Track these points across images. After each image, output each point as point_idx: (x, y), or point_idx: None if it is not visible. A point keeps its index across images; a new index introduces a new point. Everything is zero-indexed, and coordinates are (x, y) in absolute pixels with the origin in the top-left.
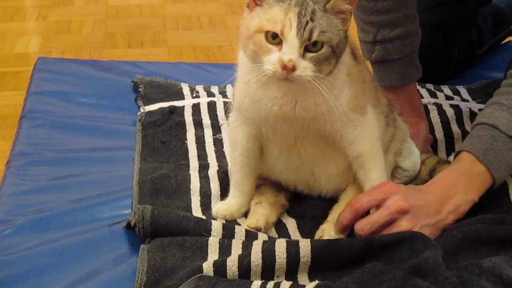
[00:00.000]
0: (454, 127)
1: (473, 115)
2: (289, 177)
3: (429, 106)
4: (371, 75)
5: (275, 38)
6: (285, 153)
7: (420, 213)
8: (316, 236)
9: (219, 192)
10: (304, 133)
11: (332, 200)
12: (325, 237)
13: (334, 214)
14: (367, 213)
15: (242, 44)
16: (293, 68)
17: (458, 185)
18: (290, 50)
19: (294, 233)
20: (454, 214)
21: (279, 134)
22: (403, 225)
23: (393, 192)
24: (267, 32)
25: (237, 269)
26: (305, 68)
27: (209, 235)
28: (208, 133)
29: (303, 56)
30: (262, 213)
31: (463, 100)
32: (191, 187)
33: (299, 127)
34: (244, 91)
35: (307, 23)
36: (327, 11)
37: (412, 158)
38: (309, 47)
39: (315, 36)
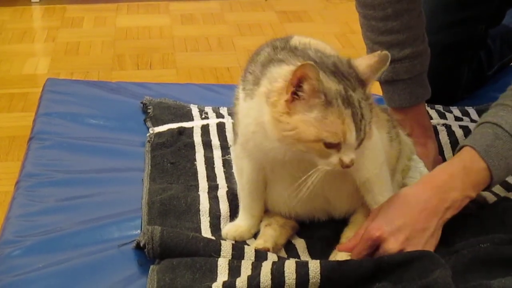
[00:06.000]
0: None
1: None
2: (305, 209)
3: (438, 127)
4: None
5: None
6: (297, 187)
7: (415, 237)
8: (331, 258)
9: (229, 213)
10: (312, 164)
11: (342, 222)
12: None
13: (348, 236)
14: None
15: (283, 140)
16: (352, 164)
17: (456, 180)
18: (350, 150)
19: (304, 254)
20: (451, 209)
21: (288, 167)
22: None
23: (380, 238)
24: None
25: None
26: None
27: (219, 255)
28: (217, 154)
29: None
30: (271, 234)
31: (472, 121)
32: (200, 208)
33: (306, 161)
34: (249, 135)
35: (361, 122)
36: (368, 97)
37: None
38: None
39: (368, 130)
